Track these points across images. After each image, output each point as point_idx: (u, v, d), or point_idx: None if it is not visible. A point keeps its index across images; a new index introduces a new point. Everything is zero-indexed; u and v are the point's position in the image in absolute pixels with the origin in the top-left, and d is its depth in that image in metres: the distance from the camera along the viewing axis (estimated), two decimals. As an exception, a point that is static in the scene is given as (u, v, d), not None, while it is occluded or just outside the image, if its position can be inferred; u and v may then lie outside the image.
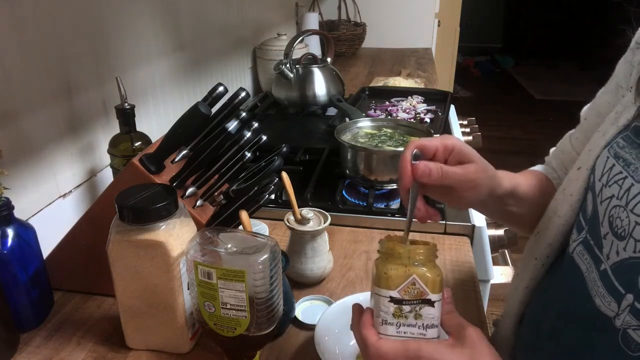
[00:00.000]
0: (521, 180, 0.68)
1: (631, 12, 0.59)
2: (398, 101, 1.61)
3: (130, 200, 0.61)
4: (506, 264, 1.15)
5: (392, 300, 0.50)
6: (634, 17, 0.59)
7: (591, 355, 0.51)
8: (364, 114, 1.45)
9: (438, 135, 0.84)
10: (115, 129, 0.96)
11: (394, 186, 1.09)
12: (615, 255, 0.49)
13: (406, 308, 0.50)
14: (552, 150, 0.78)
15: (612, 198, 0.51)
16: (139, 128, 0.96)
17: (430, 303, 0.50)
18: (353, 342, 0.70)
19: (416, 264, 0.50)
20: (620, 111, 0.58)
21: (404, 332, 0.50)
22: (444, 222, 0.98)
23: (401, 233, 0.57)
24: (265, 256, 0.54)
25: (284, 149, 0.76)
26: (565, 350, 0.55)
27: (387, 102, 1.62)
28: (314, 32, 1.79)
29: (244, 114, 0.72)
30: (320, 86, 1.58)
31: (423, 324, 0.50)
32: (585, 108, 0.71)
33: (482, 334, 0.51)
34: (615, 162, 0.52)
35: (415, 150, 0.56)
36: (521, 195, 0.67)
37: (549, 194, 0.67)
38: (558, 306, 0.58)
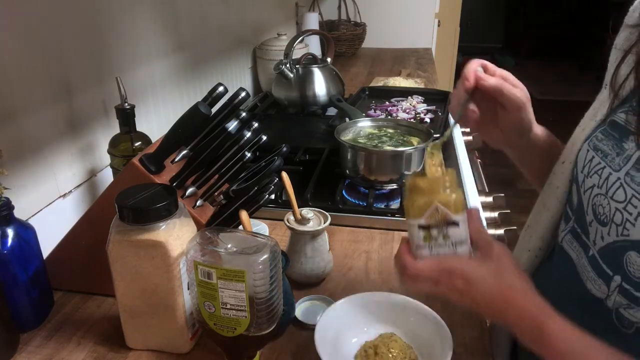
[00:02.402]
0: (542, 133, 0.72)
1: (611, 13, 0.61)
2: (398, 101, 1.61)
3: (130, 200, 0.61)
4: (506, 264, 1.14)
5: (421, 227, 0.55)
6: (612, 19, 0.63)
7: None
8: (364, 114, 1.45)
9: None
10: (115, 129, 0.96)
11: (394, 186, 1.09)
12: (601, 240, 0.53)
13: (434, 232, 0.55)
14: None
15: (593, 187, 0.55)
16: (139, 128, 0.96)
17: (455, 224, 0.55)
18: (353, 341, 0.70)
19: (437, 191, 0.55)
20: (597, 107, 0.62)
21: (437, 253, 0.55)
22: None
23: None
24: (265, 256, 0.54)
25: (284, 149, 0.76)
26: None
27: (387, 102, 1.62)
28: (314, 32, 1.80)
29: (244, 114, 0.72)
30: (320, 86, 1.58)
31: (452, 242, 0.55)
32: None
33: (507, 250, 0.55)
34: (595, 154, 0.56)
35: (479, 67, 0.64)
36: (537, 143, 0.71)
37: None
38: (553, 294, 0.59)
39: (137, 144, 0.94)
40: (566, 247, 0.60)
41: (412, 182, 0.57)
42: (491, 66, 0.65)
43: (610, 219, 0.51)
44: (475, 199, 1.09)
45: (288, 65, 1.56)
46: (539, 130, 0.71)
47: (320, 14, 2.70)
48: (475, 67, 0.63)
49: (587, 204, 0.56)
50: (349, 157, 1.09)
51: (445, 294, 0.55)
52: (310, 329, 0.71)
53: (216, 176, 0.73)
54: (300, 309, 0.76)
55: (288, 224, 0.80)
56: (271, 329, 0.59)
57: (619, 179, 0.51)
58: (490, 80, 0.62)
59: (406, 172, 1.07)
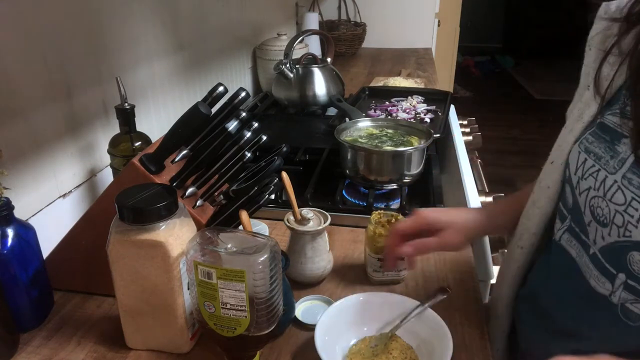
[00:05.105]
0: (498, 213, 0.78)
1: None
2: (398, 101, 1.61)
3: (130, 200, 0.61)
4: (506, 264, 1.14)
5: (378, 259, 0.81)
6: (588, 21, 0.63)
7: (592, 328, 0.57)
8: (364, 114, 1.45)
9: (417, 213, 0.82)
10: (115, 129, 0.96)
11: (394, 186, 1.09)
12: (602, 240, 0.55)
13: None
14: None
15: (589, 189, 0.57)
16: (139, 128, 0.96)
17: (401, 259, 0.80)
18: (353, 341, 0.70)
19: None
20: (583, 108, 0.63)
21: (386, 275, 0.83)
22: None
23: None
24: (265, 256, 0.54)
25: (284, 149, 0.76)
26: (564, 325, 0.61)
27: (387, 102, 1.62)
28: (314, 32, 1.79)
29: (244, 114, 0.72)
30: (320, 86, 1.57)
31: (397, 269, 0.82)
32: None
33: None
34: (587, 156, 0.58)
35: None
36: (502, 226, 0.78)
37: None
38: (553, 288, 0.64)
39: (137, 144, 0.94)
40: (565, 245, 0.62)
41: (374, 229, 0.80)
42: (407, 229, 0.74)
43: (610, 220, 0.53)
44: (475, 199, 1.09)
45: (288, 65, 1.56)
46: (491, 227, 0.77)
47: (320, 14, 2.70)
48: (393, 249, 0.74)
49: (585, 206, 0.58)
50: (349, 157, 1.09)
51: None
52: (310, 329, 0.71)
53: (216, 176, 0.73)
54: (300, 309, 0.76)
55: (288, 224, 0.80)
56: (271, 329, 0.59)
57: (616, 181, 0.53)
58: (415, 254, 0.74)
59: (406, 172, 1.07)
